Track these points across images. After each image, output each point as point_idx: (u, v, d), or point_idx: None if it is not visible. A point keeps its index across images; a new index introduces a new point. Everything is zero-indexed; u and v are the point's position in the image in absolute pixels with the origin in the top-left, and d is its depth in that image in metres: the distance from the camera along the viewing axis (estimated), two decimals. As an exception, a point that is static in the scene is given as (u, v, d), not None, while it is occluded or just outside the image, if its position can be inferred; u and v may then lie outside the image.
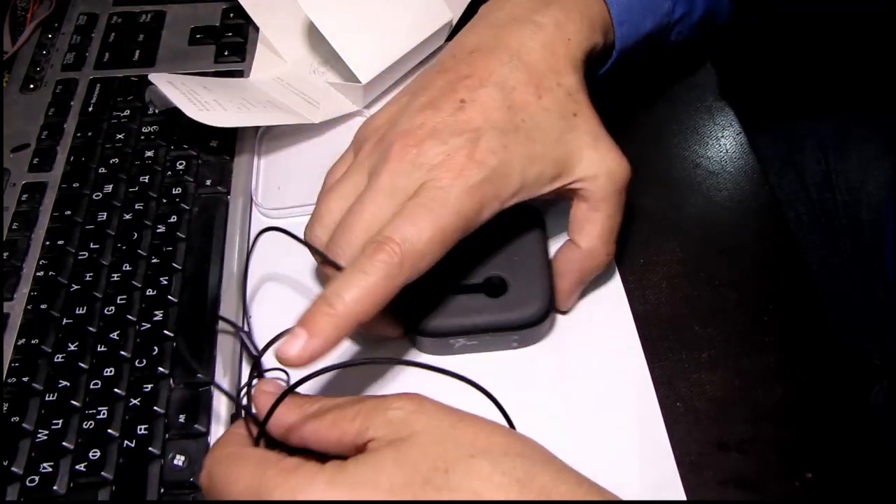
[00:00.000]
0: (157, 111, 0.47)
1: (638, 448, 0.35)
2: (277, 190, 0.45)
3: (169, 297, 0.39)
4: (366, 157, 0.35)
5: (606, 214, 0.36)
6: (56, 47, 0.53)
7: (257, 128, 0.47)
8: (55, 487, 0.33)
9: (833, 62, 0.61)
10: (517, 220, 0.38)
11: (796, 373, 0.37)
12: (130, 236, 0.42)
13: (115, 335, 0.38)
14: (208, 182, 0.44)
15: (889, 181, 0.57)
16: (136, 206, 0.43)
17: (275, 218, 0.44)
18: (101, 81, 0.50)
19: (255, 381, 0.36)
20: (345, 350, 0.38)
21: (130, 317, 0.38)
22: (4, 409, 0.35)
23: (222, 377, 0.36)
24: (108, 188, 0.44)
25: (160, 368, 0.36)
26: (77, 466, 0.34)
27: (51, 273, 0.40)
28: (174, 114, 0.43)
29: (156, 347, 0.37)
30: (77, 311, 0.39)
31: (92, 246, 0.41)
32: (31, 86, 0.50)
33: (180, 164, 0.45)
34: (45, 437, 0.34)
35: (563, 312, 0.39)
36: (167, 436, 0.35)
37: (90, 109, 0.48)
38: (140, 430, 0.35)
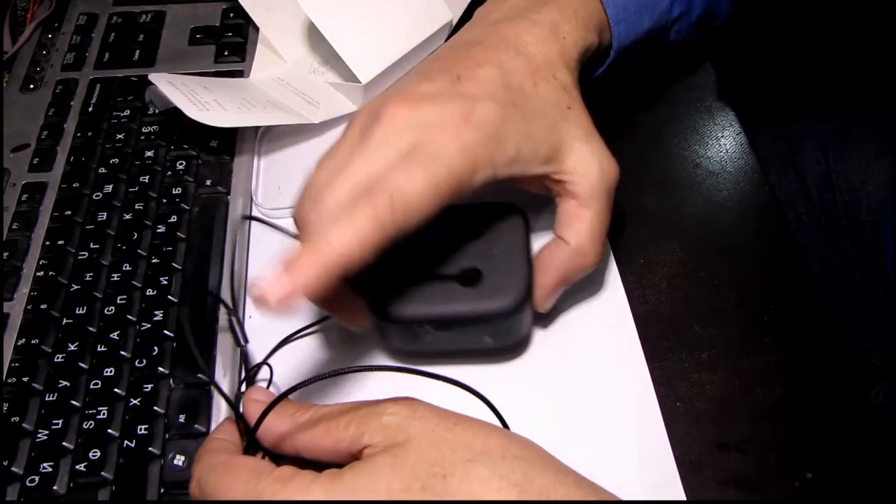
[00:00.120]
0: (157, 111, 0.47)
1: (638, 448, 0.35)
2: (277, 190, 0.45)
3: (169, 297, 0.39)
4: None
5: (596, 212, 0.35)
6: (56, 47, 0.53)
7: (257, 128, 0.47)
8: (55, 487, 0.33)
9: (833, 62, 0.61)
10: (500, 217, 0.37)
11: (796, 373, 0.37)
12: (130, 236, 0.42)
13: (115, 335, 0.38)
14: (208, 182, 0.44)
15: (889, 181, 0.57)
16: (136, 206, 0.43)
17: (275, 218, 0.44)
18: (101, 81, 0.50)
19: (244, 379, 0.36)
20: (337, 359, 0.38)
21: (130, 317, 0.38)
22: (4, 409, 0.35)
23: (222, 377, 0.36)
24: (108, 188, 0.44)
25: (160, 368, 0.36)
26: (77, 466, 0.34)
27: (51, 273, 0.40)
28: (174, 114, 0.43)
29: (156, 347, 0.37)
30: (77, 311, 0.38)
31: (92, 246, 0.41)
32: (31, 86, 0.50)
33: (180, 164, 0.45)
34: (45, 437, 0.34)
35: (542, 315, 0.38)
36: (167, 436, 0.35)
37: (90, 109, 0.48)
38: (140, 430, 0.35)
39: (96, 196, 0.44)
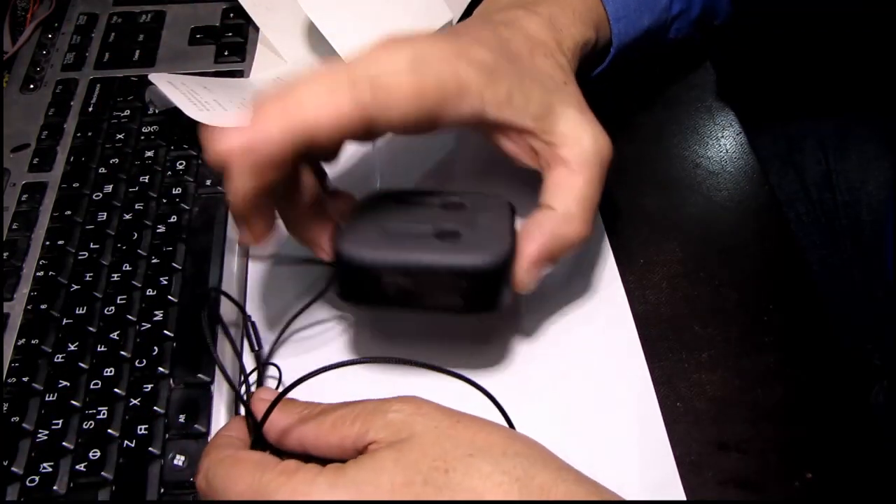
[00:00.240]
0: (157, 111, 0.47)
1: (638, 448, 0.35)
2: (277, 190, 0.45)
3: (169, 297, 0.39)
4: None
5: (587, 180, 0.33)
6: (56, 47, 0.53)
7: (257, 128, 0.47)
8: (55, 487, 0.33)
9: (833, 62, 0.61)
10: (488, 202, 0.35)
11: (796, 373, 0.37)
12: (130, 236, 0.42)
13: (115, 335, 0.38)
14: (208, 182, 0.44)
15: (889, 181, 0.57)
16: (136, 206, 0.43)
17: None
18: (101, 81, 0.50)
19: (252, 377, 0.36)
20: (340, 352, 0.38)
21: (130, 317, 0.38)
22: (4, 409, 0.35)
23: (222, 377, 0.36)
24: (108, 188, 0.44)
25: (160, 368, 0.36)
26: (77, 466, 0.34)
27: (51, 273, 0.40)
28: (174, 114, 0.43)
29: (156, 347, 0.37)
30: (77, 311, 0.38)
31: (92, 246, 0.41)
32: (31, 86, 0.50)
33: (180, 164, 0.45)
34: (45, 437, 0.34)
35: (520, 296, 0.36)
36: (167, 436, 0.35)
37: (90, 109, 0.48)
38: (140, 430, 0.35)
39: (96, 196, 0.44)
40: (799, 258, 0.41)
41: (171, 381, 0.36)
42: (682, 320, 0.39)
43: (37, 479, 0.33)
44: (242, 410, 0.34)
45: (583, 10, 0.38)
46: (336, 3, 0.46)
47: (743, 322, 0.39)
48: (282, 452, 0.30)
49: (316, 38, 0.49)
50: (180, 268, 0.40)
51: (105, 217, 0.42)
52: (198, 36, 0.53)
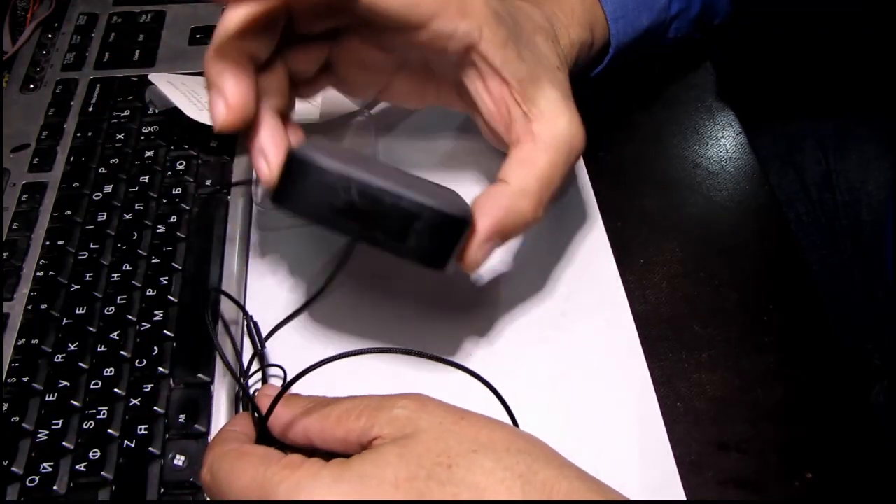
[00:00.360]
0: (157, 111, 0.47)
1: (638, 448, 0.35)
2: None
3: (169, 297, 0.39)
4: None
5: (552, 162, 0.32)
6: (56, 47, 0.53)
7: (257, 128, 0.47)
8: (55, 487, 0.33)
9: (833, 62, 0.61)
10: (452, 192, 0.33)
11: (796, 373, 0.37)
12: (130, 236, 0.42)
13: (115, 335, 0.38)
14: (208, 182, 0.44)
15: (889, 181, 0.57)
16: (136, 206, 0.43)
17: (275, 218, 0.44)
18: (101, 81, 0.50)
19: (253, 371, 0.36)
20: (343, 347, 0.38)
21: (130, 317, 0.38)
22: (4, 409, 0.35)
23: (222, 377, 0.36)
24: (108, 188, 0.44)
25: (160, 368, 0.36)
26: (77, 466, 0.34)
27: (51, 273, 0.40)
28: (174, 114, 0.43)
29: (156, 347, 0.37)
30: (77, 311, 0.38)
31: (92, 246, 0.41)
32: (31, 86, 0.50)
33: (180, 164, 0.45)
34: (45, 437, 0.34)
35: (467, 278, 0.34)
36: (167, 436, 0.35)
37: (90, 109, 0.48)
38: (140, 430, 0.35)
39: (96, 196, 0.44)
40: (799, 258, 0.41)
41: (171, 381, 0.36)
42: (682, 320, 0.39)
43: (37, 479, 0.33)
44: (247, 407, 0.34)
45: (581, 12, 0.39)
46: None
47: (743, 322, 0.39)
48: (286, 448, 0.30)
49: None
50: (180, 268, 0.40)
51: (105, 217, 0.42)
52: (198, 36, 0.53)
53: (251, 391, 0.35)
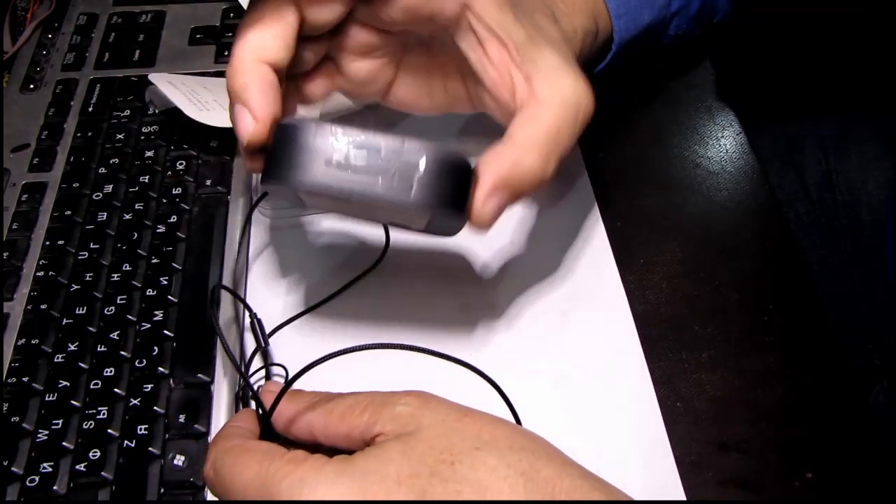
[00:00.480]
0: (157, 111, 0.47)
1: (638, 448, 0.35)
2: (277, 190, 0.45)
3: (169, 297, 0.39)
4: None
5: (559, 121, 0.31)
6: (56, 47, 0.53)
7: (257, 128, 0.47)
8: (55, 487, 0.33)
9: (833, 62, 0.61)
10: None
11: (796, 373, 0.37)
12: (130, 236, 0.42)
13: (115, 335, 0.38)
14: (208, 182, 0.44)
15: (889, 181, 0.57)
16: (136, 206, 0.43)
17: (275, 218, 0.44)
18: (101, 81, 0.50)
19: (254, 369, 0.36)
20: (347, 345, 0.38)
21: (130, 317, 0.38)
22: (4, 409, 0.35)
23: (222, 377, 0.36)
24: (108, 188, 0.44)
25: (160, 368, 0.36)
26: (77, 466, 0.34)
27: (51, 273, 0.40)
28: (174, 114, 0.43)
29: (156, 347, 0.37)
30: (77, 311, 0.38)
31: (92, 246, 0.41)
32: (31, 86, 0.50)
33: (180, 164, 0.45)
34: (45, 437, 0.34)
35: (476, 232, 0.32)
36: (167, 436, 0.35)
37: (90, 109, 0.48)
38: (140, 430, 0.35)
39: (96, 196, 0.44)
40: (799, 258, 0.41)
41: (171, 381, 0.36)
42: (682, 320, 0.39)
43: (37, 479, 0.33)
44: (251, 404, 0.34)
45: (581, 2, 0.39)
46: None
47: (743, 322, 0.39)
48: (290, 444, 0.30)
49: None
50: (180, 268, 0.40)
51: (105, 217, 0.42)
52: (198, 36, 0.53)
53: (255, 388, 0.35)
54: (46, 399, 0.36)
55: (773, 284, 0.40)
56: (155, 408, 0.35)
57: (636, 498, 0.33)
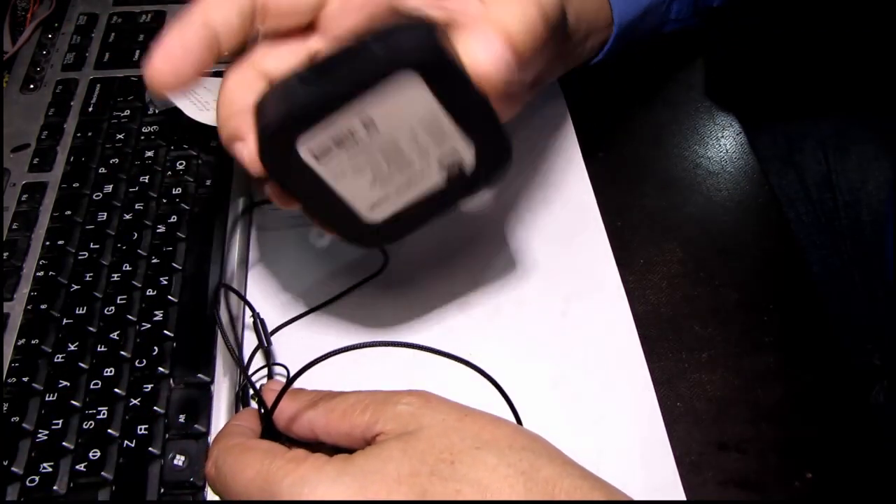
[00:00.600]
0: (157, 111, 0.47)
1: (638, 448, 0.35)
2: (277, 190, 0.45)
3: (169, 297, 0.39)
4: None
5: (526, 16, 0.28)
6: (56, 47, 0.53)
7: (257, 128, 0.47)
8: (55, 487, 0.33)
9: (833, 62, 0.61)
10: None
11: (796, 373, 0.37)
12: (130, 236, 0.42)
13: (115, 335, 0.38)
14: (208, 182, 0.44)
15: (889, 181, 0.57)
16: (136, 206, 0.43)
17: (275, 218, 0.44)
18: (101, 81, 0.50)
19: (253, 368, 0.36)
20: (347, 341, 0.38)
21: (130, 317, 0.38)
22: (4, 409, 0.35)
23: (222, 377, 0.36)
24: (108, 188, 0.44)
25: (160, 368, 0.36)
26: (77, 466, 0.34)
27: (51, 273, 0.40)
28: (174, 114, 0.43)
29: (156, 347, 0.37)
30: (77, 311, 0.38)
31: (92, 246, 0.41)
32: (31, 86, 0.50)
33: (180, 164, 0.45)
34: (45, 437, 0.34)
35: None
36: (167, 436, 0.35)
37: (90, 109, 0.48)
38: (140, 430, 0.35)
39: (96, 196, 0.44)
40: (799, 258, 0.41)
41: (171, 381, 0.36)
42: (682, 320, 0.39)
43: (37, 479, 0.33)
44: (252, 404, 0.34)
45: None
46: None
47: (743, 322, 0.39)
48: (291, 443, 0.31)
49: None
50: (180, 268, 0.40)
51: (105, 217, 0.42)
52: (198, 36, 0.53)
53: (256, 386, 0.35)
54: (46, 399, 0.36)
55: (773, 284, 0.40)
56: (155, 408, 0.35)
57: (636, 498, 0.33)
